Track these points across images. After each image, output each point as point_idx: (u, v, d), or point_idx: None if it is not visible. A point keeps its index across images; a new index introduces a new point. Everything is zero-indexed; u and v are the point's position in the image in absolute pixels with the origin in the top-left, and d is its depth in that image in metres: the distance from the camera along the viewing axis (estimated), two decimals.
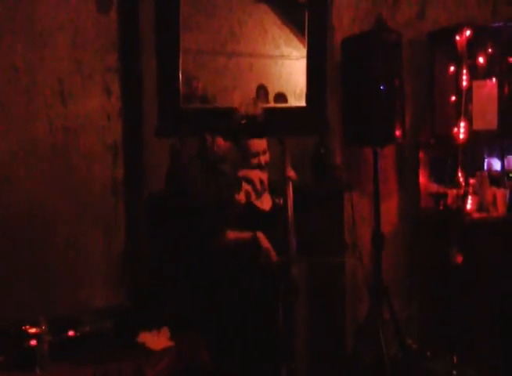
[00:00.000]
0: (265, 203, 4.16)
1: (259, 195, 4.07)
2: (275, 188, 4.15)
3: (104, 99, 4.58)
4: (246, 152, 4.13)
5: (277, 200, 4.16)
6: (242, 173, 4.13)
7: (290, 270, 3.91)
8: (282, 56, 5.18)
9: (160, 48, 4.74)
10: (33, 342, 3.33)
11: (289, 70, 5.22)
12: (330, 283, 4.86)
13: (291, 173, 4.12)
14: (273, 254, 3.95)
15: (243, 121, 4.24)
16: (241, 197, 4.00)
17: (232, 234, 3.97)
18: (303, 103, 5.19)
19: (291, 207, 4.01)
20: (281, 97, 5.22)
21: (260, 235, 3.95)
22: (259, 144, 4.14)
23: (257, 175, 4.10)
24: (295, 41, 5.20)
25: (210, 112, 4.83)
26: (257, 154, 4.12)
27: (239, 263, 3.96)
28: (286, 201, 4.05)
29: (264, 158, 4.14)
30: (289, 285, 3.88)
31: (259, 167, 4.13)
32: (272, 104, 5.16)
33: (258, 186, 4.07)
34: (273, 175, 4.15)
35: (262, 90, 5.17)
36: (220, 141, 4.30)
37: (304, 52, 5.18)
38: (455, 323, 4.85)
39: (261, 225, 3.98)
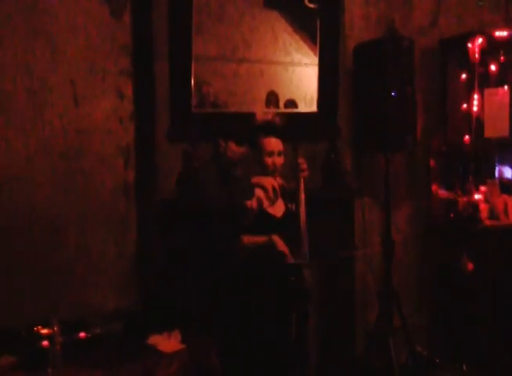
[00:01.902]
0: (278, 209, 4.14)
1: (272, 202, 4.06)
2: (288, 194, 4.14)
3: (117, 102, 4.57)
4: (261, 150, 4.10)
5: (290, 206, 4.14)
6: (255, 179, 4.12)
7: (303, 274, 3.91)
8: (292, 63, 5.18)
9: (173, 53, 4.75)
10: (45, 343, 3.33)
11: (299, 76, 5.23)
12: (340, 288, 4.86)
13: (300, 161, 4.08)
14: (289, 256, 3.94)
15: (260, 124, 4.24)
16: (253, 203, 4.00)
17: (247, 239, 3.96)
18: (312, 110, 5.19)
19: (304, 212, 4.00)
20: (291, 104, 5.22)
21: (276, 238, 3.94)
22: (275, 143, 4.11)
23: (271, 182, 4.09)
24: (306, 48, 5.21)
25: (221, 117, 4.82)
26: (272, 153, 4.08)
27: (251, 267, 3.96)
28: (298, 205, 4.04)
29: (278, 160, 4.11)
30: (301, 289, 3.88)
31: (272, 169, 4.10)
32: (282, 110, 5.16)
33: (271, 193, 4.06)
34: (286, 182, 4.13)
35: (273, 96, 5.17)
36: (233, 146, 4.30)
37: (314, 58, 5.19)
38: (465, 331, 4.84)
39: (274, 231, 3.97)
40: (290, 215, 4.09)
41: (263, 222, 4.01)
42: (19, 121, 4.28)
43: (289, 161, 4.14)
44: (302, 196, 4.04)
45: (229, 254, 3.98)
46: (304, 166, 4.07)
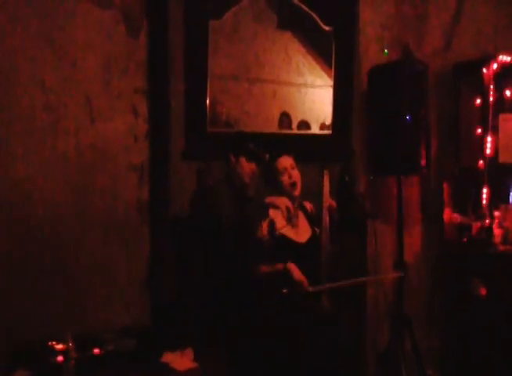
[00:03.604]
0: (302, 234, 4.13)
1: (289, 220, 4.05)
2: (315, 218, 4.14)
3: (132, 119, 4.60)
4: (275, 172, 4.11)
5: (317, 230, 4.13)
6: (269, 199, 4.13)
7: (321, 301, 3.90)
8: (305, 84, 5.20)
9: (189, 72, 4.77)
10: (59, 358, 3.33)
11: (312, 98, 5.25)
12: (351, 311, 4.84)
13: (329, 202, 4.09)
14: (305, 284, 3.90)
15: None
16: (263, 229, 3.99)
17: (265, 268, 3.95)
18: (326, 132, 5.20)
19: (326, 237, 4.00)
20: (304, 125, 5.23)
21: (291, 266, 3.91)
22: (285, 160, 4.14)
23: (284, 203, 4.10)
24: (319, 70, 5.23)
25: (235, 136, 4.83)
26: (284, 170, 4.10)
27: (267, 291, 3.94)
28: (321, 231, 4.03)
29: (294, 173, 4.11)
30: (319, 315, 3.86)
31: (291, 185, 4.09)
32: (295, 131, 5.17)
33: (285, 213, 4.06)
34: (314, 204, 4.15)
35: (285, 117, 5.19)
36: (243, 161, 4.33)
37: (327, 80, 5.21)
38: (478, 355, 4.81)
39: (295, 258, 3.95)
40: (316, 241, 4.07)
41: (283, 248, 3.99)
42: (35, 137, 4.30)
43: (315, 183, 4.14)
44: (326, 221, 4.04)
45: (244, 277, 3.97)
46: (327, 204, 4.08)
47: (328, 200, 4.11)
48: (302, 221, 4.21)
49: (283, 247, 4.00)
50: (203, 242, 4.23)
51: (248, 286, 3.98)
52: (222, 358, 3.81)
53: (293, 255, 3.96)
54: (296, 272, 3.91)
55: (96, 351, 3.55)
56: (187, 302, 4.31)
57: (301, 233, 4.12)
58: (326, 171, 4.17)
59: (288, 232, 4.05)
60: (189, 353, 3.73)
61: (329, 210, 4.10)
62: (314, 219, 4.17)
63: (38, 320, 4.06)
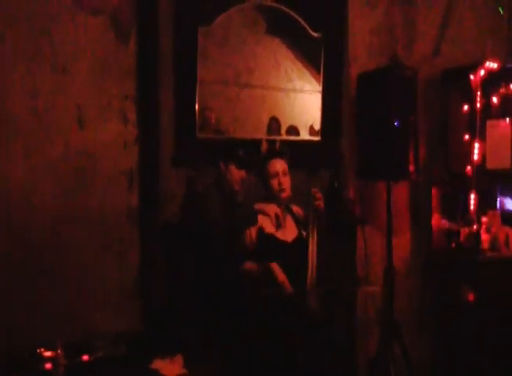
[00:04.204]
0: (288, 233, 4.14)
1: (278, 226, 4.07)
2: (303, 222, 4.14)
3: (121, 126, 4.58)
4: (267, 174, 4.13)
5: (303, 232, 4.14)
6: (258, 206, 4.14)
7: (306, 302, 3.89)
8: (294, 90, 5.20)
9: (178, 78, 4.76)
10: (48, 366, 3.32)
11: (301, 103, 5.25)
12: (341, 315, 4.84)
13: (314, 191, 4.10)
14: (287, 285, 3.90)
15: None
16: (253, 233, 4.00)
17: (248, 265, 3.96)
18: (315, 137, 5.21)
19: (314, 240, 4.00)
20: (293, 130, 5.24)
21: (274, 266, 3.92)
22: (279, 164, 4.15)
23: (273, 210, 4.12)
24: (308, 75, 5.24)
25: (225, 142, 4.83)
26: (276, 174, 4.11)
27: (252, 293, 3.94)
28: (308, 234, 4.04)
29: (284, 180, 4.12)
30: (305, 317, 3.86)
31: (279, 191, 4.11)
32: (284, 137, 5.17)
33: (274, 220, 4.08)
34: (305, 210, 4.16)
35: (274, 122, 5.19)
36: (233, 169, 4.35)
37: (316, 85, 5.22)
38: (468, 361, 4.83)
39: (282, 257, 3.96)
40: (302, 242, 4.08)
41: (271, 246, 4.01)
42: (24, 143, 4.28)
43: (304, 188, 4.15)
44: (313, 223, 4.05)
45: (231, 279, 3.98)
46: (318, 195, 4.08)
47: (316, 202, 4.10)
48: (289, 222, 4.23)
49: (269, 245, 4.01)
50: (193, 247, 4.24)
51: (238, 289, 3.98)
52: (216, 362, 3.82)
53: (279, 254, 3.97)
54: (279, 273, 3.92)
55: (85, 358, 3.54)
56: (179, 307, 4.31)
57: (287, 233, 4.14)
58: (314, 176, 4.19)
59: (275, 232, 4.08)
60: (179, 360, 3.73)
61: (317, 211, 4.09)
62: (301, 222, 4.18)
63: (28, 328, 4.05)
